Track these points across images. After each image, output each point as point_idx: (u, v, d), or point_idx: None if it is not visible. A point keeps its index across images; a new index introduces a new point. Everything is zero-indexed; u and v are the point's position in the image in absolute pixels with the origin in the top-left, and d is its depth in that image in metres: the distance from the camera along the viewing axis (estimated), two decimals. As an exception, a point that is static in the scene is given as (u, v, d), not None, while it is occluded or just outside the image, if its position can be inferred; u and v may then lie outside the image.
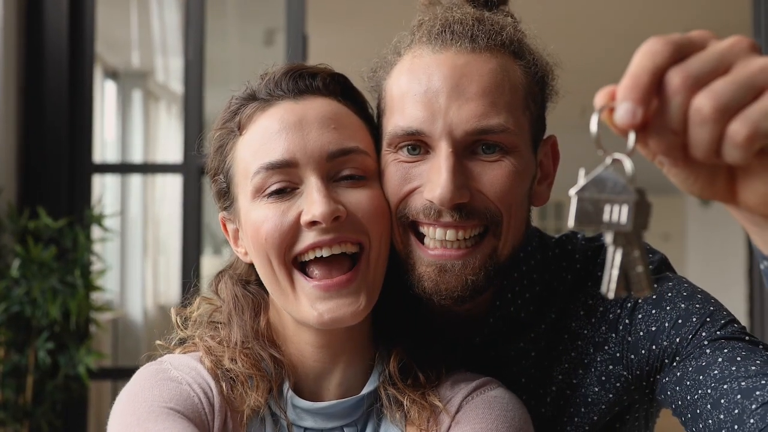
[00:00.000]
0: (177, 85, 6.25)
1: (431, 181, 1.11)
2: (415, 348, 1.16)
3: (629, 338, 1.17)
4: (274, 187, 1.09)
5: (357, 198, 1.11)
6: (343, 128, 1.12)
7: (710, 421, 1.03)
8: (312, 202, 1.07)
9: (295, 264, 1.10)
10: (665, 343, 1.13)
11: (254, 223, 1.10)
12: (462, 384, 1.16)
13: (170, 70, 6.36)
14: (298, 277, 1.10)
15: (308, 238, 1.08)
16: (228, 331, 1.16)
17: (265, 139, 1.10)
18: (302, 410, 1.13)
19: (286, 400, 1.13)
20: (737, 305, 7.67)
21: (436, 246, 1.13)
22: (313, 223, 1.07)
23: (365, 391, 1.14)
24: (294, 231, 1.08)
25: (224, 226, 1.22)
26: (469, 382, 1.16)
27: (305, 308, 1.09)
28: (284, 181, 1.09)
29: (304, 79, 1.14)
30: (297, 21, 3.38)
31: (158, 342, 1.23)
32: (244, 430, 1.10)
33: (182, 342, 1.22)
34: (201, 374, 1.12)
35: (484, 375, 1.18)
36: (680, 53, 0.63)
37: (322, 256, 1.09)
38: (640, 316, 1.17)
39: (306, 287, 1.09)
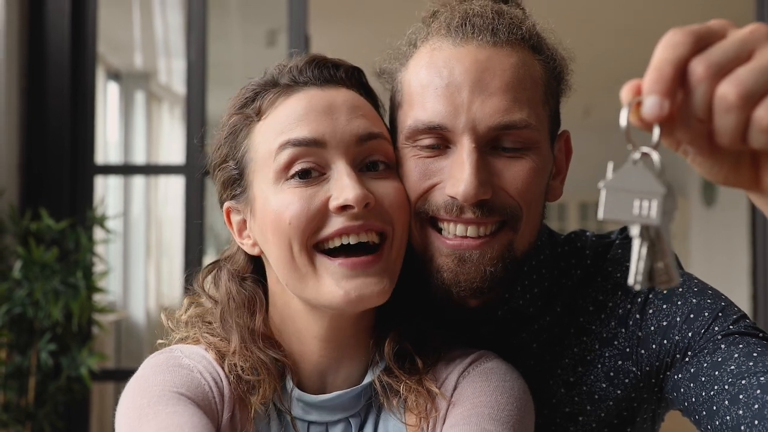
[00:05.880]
0: (180, 87, 6.26)
1: (454, 176, 1.09)
2: (414, 332, 1.15)
3: (639, 333, 1.16)
4: (299, 167, 1.06)
5: (384, 188, 1.09)
6: (369, 116, 1.11)
7: (728, 418, 1.01)
8: (343, 187, 1.05)
9: (317, 249, 1.08)
10: (677, 337, 1.12)
11: (277, 208, 1.07)
12: (457, 360, 1.15)
13: (173, 72, 6.37)
14: (321, 258, 1.07)
15: (336, 223, 1.06)
16: (225, 332, 1.14)
17: (292, 119, 1.08)
18: (306, 404, 1.12)
19: (289, 395, 1.12)
20: (741, 305, 7.57)
21: (455, 236, 1.12)
22: (343, 208, 1.05)
23: (366, 381, 1.13)
24: (321, 216, 1.06)
25: (228, 216, 1.17)
26: (464, 357, 1.15)
27: (329, 288, 1.06)
28: (310, 162, 1.06)
29: (328, 69, 1.13)
30: (299, 21, 3.38)
31: (159, 341, 1.21)
32: (251, 425, 1.09)
33: (182, 341, 1.19)
34: (212, 364, 1.11)
35: (478, 349, 1.17)
36: (701, 43, 0.64)
37: (349, 243, 1.06)
38: (650, 311, 1.16)
39: (330, 266, 1.06)
